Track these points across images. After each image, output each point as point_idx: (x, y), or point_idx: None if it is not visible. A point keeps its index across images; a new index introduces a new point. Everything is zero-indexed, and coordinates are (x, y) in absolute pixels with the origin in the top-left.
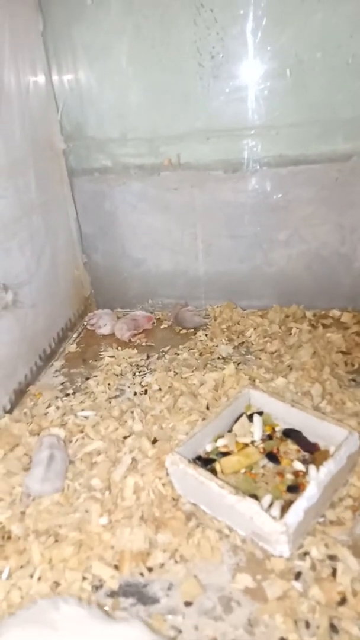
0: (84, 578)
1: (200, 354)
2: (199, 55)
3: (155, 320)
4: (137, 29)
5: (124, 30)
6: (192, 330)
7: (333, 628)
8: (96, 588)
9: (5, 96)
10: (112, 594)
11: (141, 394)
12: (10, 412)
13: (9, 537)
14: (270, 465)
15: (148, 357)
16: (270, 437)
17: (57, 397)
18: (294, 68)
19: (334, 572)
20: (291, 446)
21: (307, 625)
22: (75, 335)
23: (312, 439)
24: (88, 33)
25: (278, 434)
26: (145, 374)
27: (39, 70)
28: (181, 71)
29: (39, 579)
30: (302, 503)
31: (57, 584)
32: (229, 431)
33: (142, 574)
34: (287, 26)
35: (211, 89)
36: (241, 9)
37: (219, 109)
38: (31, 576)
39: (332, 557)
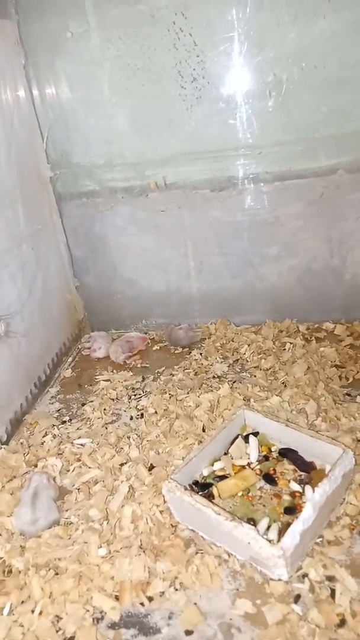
0: (86, 610)
1: (195, 374)
2: (180, 78)
3: (149, 341)
4: (118, 57)
5: (105, 59)
6: (187, 349)
7: None
8: (97, 620)
9: None
10: (114, 626)
11: (137, 418)
12: (6, 442)
13: (10, 572)
14: (267, 486)
15: (143, 379)
16: (266, 457)
17: (53, 425)
18: (274, 88)
19: (332, 594)
20: (287, 466)
21: None
22: (70, 359)
23: (308, 457)
24: (70, 63)
25: (274, 454)
26: (141, 397)
27: (22, 101)
28: (164, 95)
29: (40, 613)
30: (298, 526)
31: (58, 617)
32: (225, 454)
33: (142, 604)
34: (264, 47)
35: (194, 111)
36: (219, 32)
37: (202, 130)
38: (32, 611)
39: (330, 578)
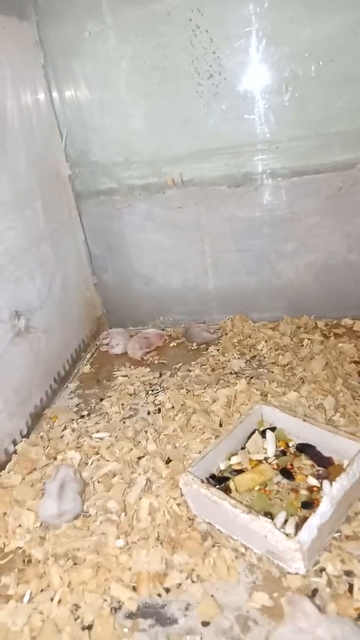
0: (104, 600)
1: (212, 370)
2: (197, 75)
3: (167, 337)
4: (135, 55)
5: (122, 58)
6: (204, 345)
7: None
8: (115, 610)
9: (10, 130)
10: (131, 615)
11: (154, 413)
12: (27, 436)
13: (30, 561)
14: (285, 481)
15: (161, 375)
16: (284, 452)
17: (72, 420)
18: (291, 83)
19: (350, 588)
20: (305, 461)
21: None
22: (88, 356)
23: (326, 453)
24: (87, 63)
25: (292, 450)
26: (158, 392)
27: (41, 101)
28: (180, 92)
29: (59, 602)
30: (315, 520)
31: (77, 606)
32: (242, 448)
33: (159, 595)
34: (280, 43)
35: (211, 107)
36: (236, 28)
37: (219, 127)
38: (51, 599)
39: (348, 573)
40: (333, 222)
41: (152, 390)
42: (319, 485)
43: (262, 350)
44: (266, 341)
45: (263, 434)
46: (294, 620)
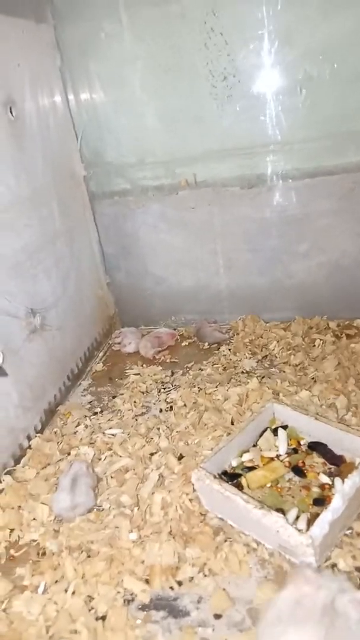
0: (117, 592)
1: (224, 369)
2: (211, 77)
3: (178, 337)
4: (150, 56)
5: (137, 59)
6: (216, 345)
7: None
8: (128, 602)
9: (28, 130)
10: (144, 607)
11: (166, 411)
12: (41, 431)
13: (44, 554)
14: (296, 478)
15: (172, 373)
16: (295, 450)
17: (85, 416)
18: (305, 84)
19: None
20: (317, 459)
21: None
22: (101, 354)
23: (338, 451)
24: (103, 64)
25: (303, 447)
26: (170, 390)
27: (57, 102)
28: (195, 94)
29: (73, 593)
30: (327, 516)
31: (90, 597)
32: (254, 446)
33: (172, 588)
34: (294, 44)
35: (225, 109)
36: (250, 30)
37: (233, 128)
38: (66, 591)
39: (359, 569)
40: (345, 223)
41: (164, 389)
42: (330, 482)
43: (273, 350)
44: (278, 341)
45: (275, 431)
46: (297, 585)
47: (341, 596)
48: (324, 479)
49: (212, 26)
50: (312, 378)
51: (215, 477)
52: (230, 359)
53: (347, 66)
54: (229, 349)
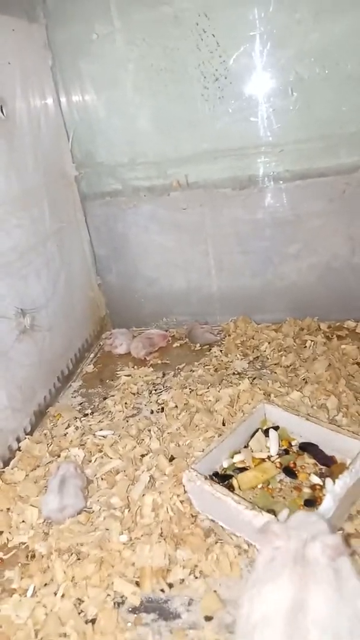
0: (107, 594)
1: (216, 370)
2: (203, 78)
3: (170, 338)
4: (142, 58)
5: (129, 60)
6: (207, 346)
7: None
8: (118, 604)
9: (18, 130)
10: (134, 610)
11: (158, 412)
12: (30, 433)
13: (33, 556)
14: (287, 479)
15: (164, 374)
16: (286, 451)
17: (75, 418)
18: (296, 86)
19: None
20: (308, 460)
21: None
22: (92, 355)
23: (328, 452)
24: (95, 65)
25: (294, 448)
26: (162, 391)
27: (49, 102)
28: (187, 95)
29: (63, 596)
30: None
31: (80, 600)
32: (245, 447)
33: (162, 590)
34: (286, 47)
35: (217, 110)
36: (242, 32)
37: (225, 129)
38: (55, 593)
39: None
40: (336, 224)
41: (156, 390)
42: (321, 483)
43: (265, 351)
44: (269, 342)
45: (266, 432)
46: (268, 543)
47: (312, 543)
48: (315, 479)
49: (204, 28)
50: (303, 379)
51: (206, 478)
52: (222, 360)
53: (338, 69)
54: (221, 350)
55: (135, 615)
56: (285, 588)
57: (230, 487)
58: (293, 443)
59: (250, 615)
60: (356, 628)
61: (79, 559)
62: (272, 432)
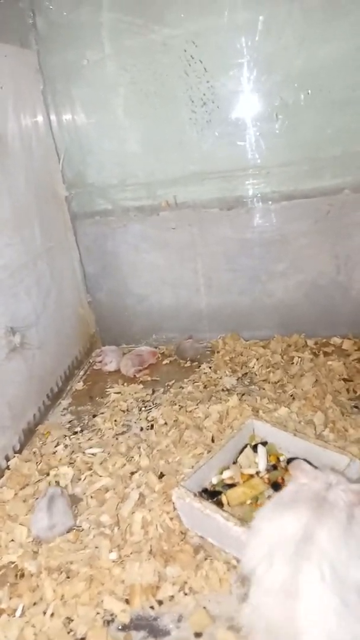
0: (96, 612)
1: (205, 387)
2: (191, 102)
3: (159, 355)
4: (132, 83)
5: (118, 85)
6: (196, 363)
7: None
8: (108, 622)
9: (10, 151)
10: (124, 628)
11: (147, 429)
12: (19, 452)
13: (22, 575)
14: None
15: (153, 391)
16: (275, 467)
17: (65, 436)
18: (281, 110)
19: None
20: None
21: None
22: (81, 373)
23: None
24: (86, 89)
25: (283, 464)
26: (151, 408)
27: (40, 124)
28: (175, 119)
29: (52, 615)
30: None
31: (69, 619)
32: (234, 463)
33: (152, 607)
34: (272, 72)
35: (204, 133)
36: (229, 59)
37: (212, 152)
38: (44, 613)
39: None
40: (321, 244)
41: (145, 407)
42: None
43: (253, 367)
44: (257, 359)
45: (255, 448)
46: (296, 478)
47: (336, 486)
48: None
49: (192, 54)
50: (291, 395)
51: (195, 495)
52: (211, 377)
53: (321, 94)
54: (210, 367)
55: (125, 632)
56: (301, 517)
57: (220, 503)
58: (281, 458)
59: (267, 535)
60: (353, 567)
61: (68, 577)
62: (260, 447)
